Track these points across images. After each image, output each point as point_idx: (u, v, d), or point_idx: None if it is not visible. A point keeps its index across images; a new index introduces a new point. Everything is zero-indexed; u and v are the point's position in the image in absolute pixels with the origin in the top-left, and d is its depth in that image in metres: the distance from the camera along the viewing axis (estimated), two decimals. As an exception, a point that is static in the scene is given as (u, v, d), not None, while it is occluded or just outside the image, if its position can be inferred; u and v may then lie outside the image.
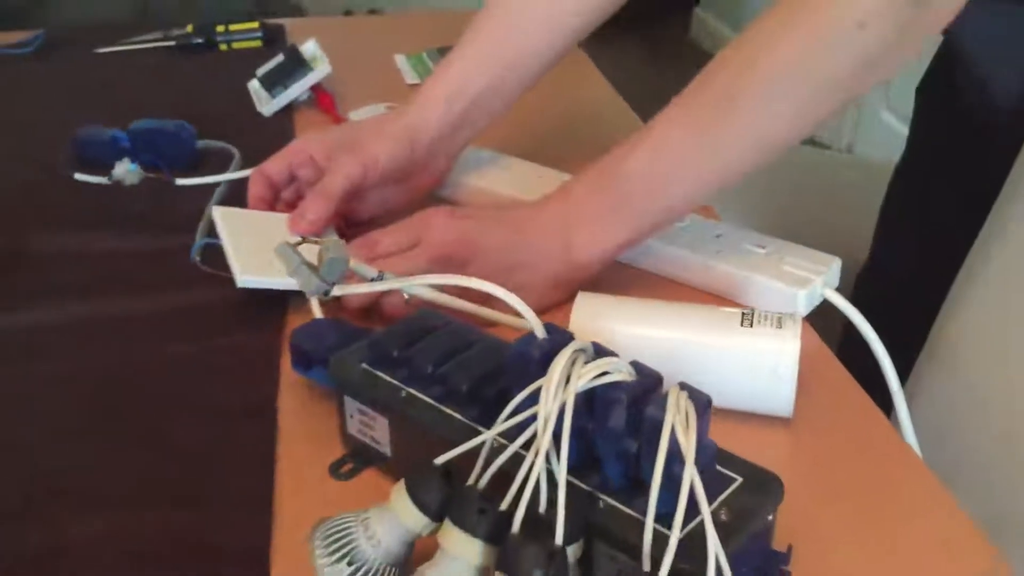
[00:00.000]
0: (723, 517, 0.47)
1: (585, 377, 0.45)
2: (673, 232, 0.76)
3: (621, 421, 0.46)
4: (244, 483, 0.56)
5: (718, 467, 0.49)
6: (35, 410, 0.62)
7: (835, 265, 0.73)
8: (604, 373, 0.46)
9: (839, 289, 0.72)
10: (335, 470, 0.57)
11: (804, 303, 0.70)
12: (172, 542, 0.52)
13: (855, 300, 0.69)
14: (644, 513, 0.43)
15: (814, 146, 2.61)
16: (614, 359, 0.46)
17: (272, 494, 0.56)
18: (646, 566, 0.43)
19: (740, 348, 0.60)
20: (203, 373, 0.66)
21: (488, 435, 0.47)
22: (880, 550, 0.53)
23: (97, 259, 0.77)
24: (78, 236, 0.80)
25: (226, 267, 0.70)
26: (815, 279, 0.70)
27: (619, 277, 0.73)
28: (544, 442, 0.44)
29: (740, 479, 0.49)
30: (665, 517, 0.44)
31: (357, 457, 0.57)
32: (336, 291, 0.55)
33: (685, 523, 0.43)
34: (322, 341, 0.62)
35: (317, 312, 0.67)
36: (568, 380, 0.45)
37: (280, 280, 0.68)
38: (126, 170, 0.83)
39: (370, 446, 0.57)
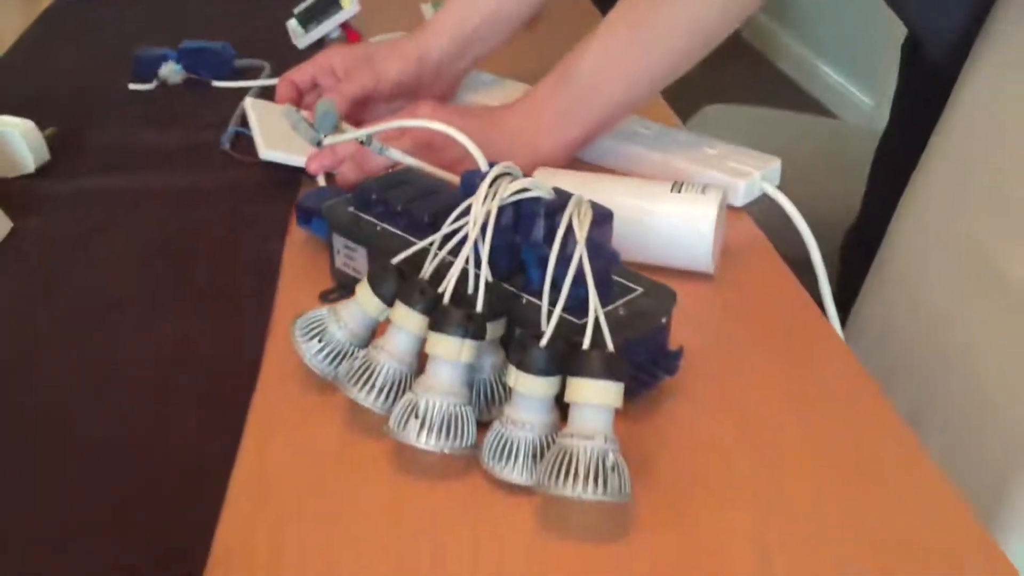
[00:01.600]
0: (620, 312, 0.58)
1: (509, 190, 0.57)
2: (635, 135, 0.87)
3: (539, 230, 0.58)
4: (250, 303, 0.68)
5: (623, 280, 0.60)
6: (91, 255, 0.75)
7: (775, 164, 0.83)
8: (525, 190, 0.57)
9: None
10: (324, 297, 0.69)
11: (743, 193, 0.80)
12: (189, 351, 0.64)
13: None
14: (554, 303, 0.54)
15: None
16: (535, 180, 0.58)
17: (271, 313, 0.67)
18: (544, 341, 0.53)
19: (668, 208, 0.70)
20: (227, 232, 0.78)
21: (433, 237, 0.58)
22: (783, 390, 0.62)
23: (142, 147, 0.91)
24: (127, 130, 0.93)
25: (252, 153, 0.83)
26: (755, 172, 0.81)
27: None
28: (473, 232, 0.55)
29: (640, 289, 0.60)
30: (574, 309, 0.55)
31: (342, 287, 0.69)
32: (326, 140, 0.67)
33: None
34: (321, 200, 0.74)
35: (321, 181, 0.79)
36: (495, 195, 0.57)
37: (297, 157, 0.81)
38: (171, 70, 0.96)
39: (353, 276, 0.69)
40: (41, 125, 0.86)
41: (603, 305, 0.55)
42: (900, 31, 1.05)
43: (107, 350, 0.64)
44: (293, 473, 0.55)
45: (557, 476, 0.50)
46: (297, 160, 0.81)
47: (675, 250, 0.71)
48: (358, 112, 0.90)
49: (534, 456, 0.53)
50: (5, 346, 0.64)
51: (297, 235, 0.77)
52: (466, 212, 0.57)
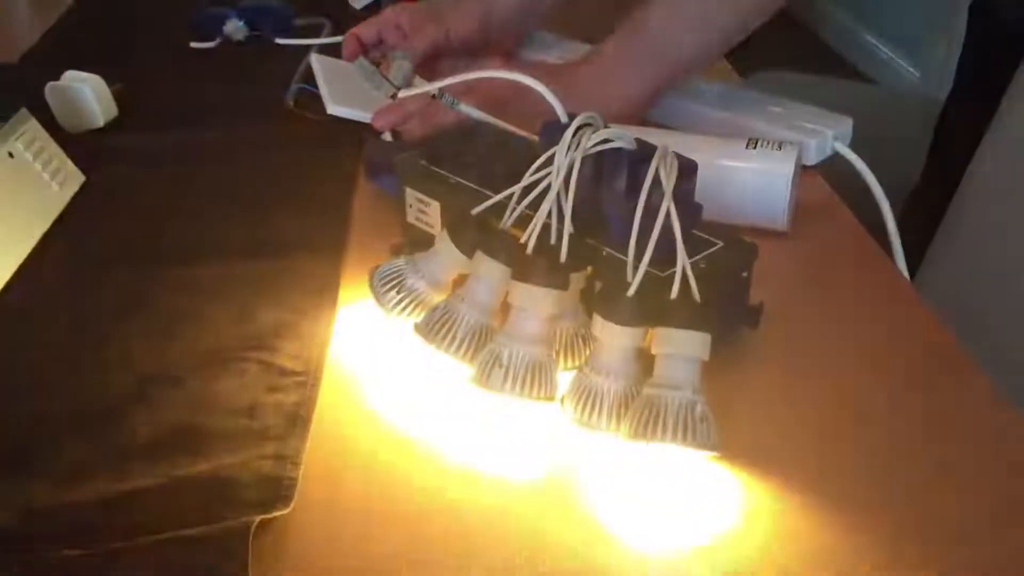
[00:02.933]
0: (702, 265, 0.57)
1: (592, 140, 0.56)
2: (699, 93, 0.86)
3: (622, 181, 0.57)
4: (322, 256, 0.69)
5: (703, 233, 0.60)
6: (161, 207, 0.76)
7: (847, 122, 0.81)
8: (607, 140, 0.56)
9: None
10: (396, 250, 0.69)
11: (814, 152, 0.79)
12: (262, 300, 0.65)
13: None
14: (636, 256, 0.53)
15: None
16: (618, 130, 0.57)
17: (341, 265, 0.68)
18: (632, 289, 0.53)
19: (744, 164, 0.70)
20: (296, 184, 0.78)
21: (514, 188, 0.58)
22: (861, 349, 0.62)
23: (208, 103, 0.91)
24: (192, 86, 0.94)
25: (316, 109, 0.83)
26: (826, 132, 0.80)
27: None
28: (556, 183, 0.55)
29: (721, 243, 0.59)
30: (655, 262, 0.55)
31: (414, 241, 0.69)
32: (401, 93, 0.67)
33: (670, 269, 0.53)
34: (390, 155, 0.74)
35: (388, 137, 0.79)
36: (578, 145, 0.56)
37: (364, 113, 0.81)
38: (235, 27, 0.97)
39: (424, 230, 0.68)
40: (108, 81, 0.86)
41: (688, 258, 0.54)
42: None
43: (181, 299, 0.64)
44: (368, 418, 0.55)
45: (646, 425, 0.50)
46: (364, 115, 0.81)
47: (750, 207, 0.70)
48: (425, 69, 0.89)
49: (618, 406, 0.53)
50: (80, 300, 0.65)
51: (365, 189, 0.77)
52: (548, 163, 0.57)
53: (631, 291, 0.53)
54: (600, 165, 0.58)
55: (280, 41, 0.98)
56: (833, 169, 0.81)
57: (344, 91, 0.83)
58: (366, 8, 1.17)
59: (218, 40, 0.99)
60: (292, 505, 0.48)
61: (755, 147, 0.70)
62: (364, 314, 0.62)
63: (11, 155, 0.71)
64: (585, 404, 0.53)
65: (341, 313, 0.63)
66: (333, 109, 0.81)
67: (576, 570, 0.47)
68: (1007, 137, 0.90)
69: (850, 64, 3.43)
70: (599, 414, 0.53)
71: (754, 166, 0.69)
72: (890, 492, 0.51)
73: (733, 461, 0.52)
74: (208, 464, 0.50)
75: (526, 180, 0.57)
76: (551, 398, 0.54)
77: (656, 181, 0.54)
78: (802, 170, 0.77)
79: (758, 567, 0.47)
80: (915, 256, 0.97)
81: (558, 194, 0.55)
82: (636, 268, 0.53)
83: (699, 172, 0.58)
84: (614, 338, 0.53)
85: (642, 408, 0.50)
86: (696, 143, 0.71)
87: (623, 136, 0.57)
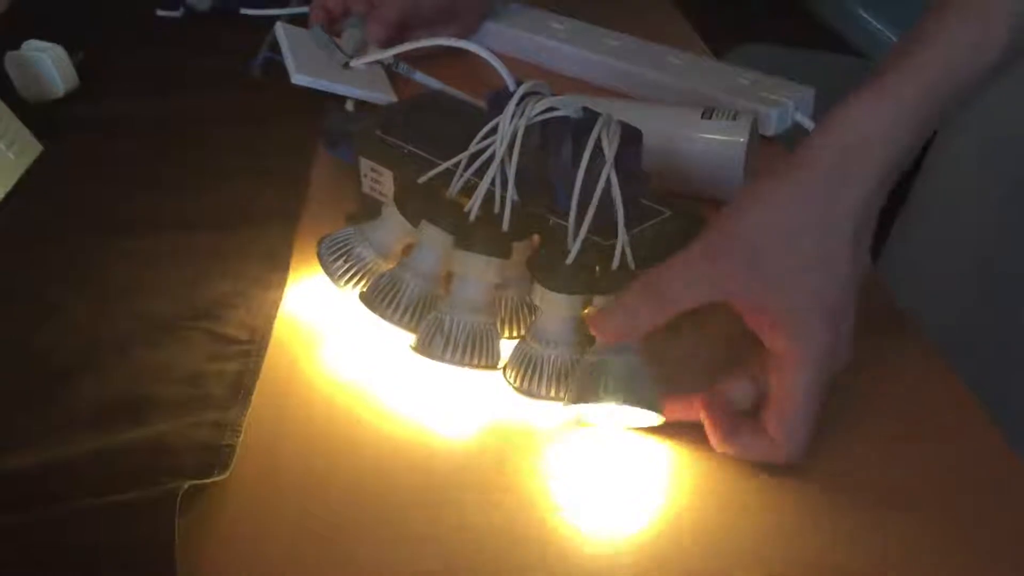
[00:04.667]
0: (647, 234, 0.57)
1: (536, 109, 0.56)
2: (665, 64, 0.85)
3: (567, 150, 0.57)
4: (276, 224, 0.69)
5: (651, 203, 0.60)
6: (118, 177, 0.76)
7: (809, 93, 0.81)
8: (552, 108, 0.56)
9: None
10: (350, 220, 0.69)
11: (776, 122, 0.79)
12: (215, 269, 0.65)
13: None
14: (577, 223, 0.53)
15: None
16: (564, 98, 0.57)
17: (294, 234, 0.67)
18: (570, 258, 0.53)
19: (698, 134, 0.69)
20: (255, 155, 0.78)
21: (459, 157, 0.58)
22: None
23: (171, 73, 0.90)
24: (155, 55, 0.93)
25: (282, 79, 0.82)
26: (787, 101, 0.79)
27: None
28: (500, 151, 0.55)
29: (668, 212, 0.59)
30: (602, 231, 0.54)
31: (369, 212, 0.69)
32: (352, 62, 0.67)
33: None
34: (348, 125, 0.74)
35: (350, 106, 0.79)
36: (523, 113, 0.56)
37: (327, 83, 0.81)
38: (197, -5, 0.96)
39: (379, 200, 0.68)
40: (69, 50, 0.86)
41: (631, 227, 0.54)
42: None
43: (134, 268, 0.64)
44: (313, 387, 0.55)
45: (591, 389, 0.50)
46: (327, 85, 0.80)
47: (706, 177, 0.70)
48: (397, 38, 0.88)
49: (558, 374, 0.53)
50: (31, 267, 0.65)
51: (325, 160, 0.76)
52: (493, 131, 0.57)
53: (570, 259, 0.53)
54: (547, 134, 0.58)
55: (245, 11, 0.97)
56: (797, 140, 0.80)
57: (309, 61, 0.82)
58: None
59: (182, 10, 0.98)
60: (229, 472, 0.49)
61: (710, 117, 0.70)
62: (315, 284, 0.63)
63: (-37, 121, 0.71)
64: (525, 372, 0.53)
65: (292, 283, 0.63)
66: (297, 78, 0.81)
67: (518, 539, 0.47)
68: (975, 108, 0.90)
69: (851, 45, 3.41)
70: (539, 382, 0.53)
71: (708, 136, 0.69)
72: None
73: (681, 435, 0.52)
74: (147, 431, 0.51)
75: (472, 148, 0.57)
76: (492, 367, 0.54)
77: (598, 148, 0.54)
78: (763, 141, 0.77)
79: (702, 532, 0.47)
80: (882, 229, 0.97)
81: (502, 162, 0.55)
82: (576, 236, 0.53)
83: (653, 142, 0.58)
84: (554, 306, 0.53)
85: (586, 371, 0.51)
86: (650, 112, 0.71)
87: (569, 104, 0.57)
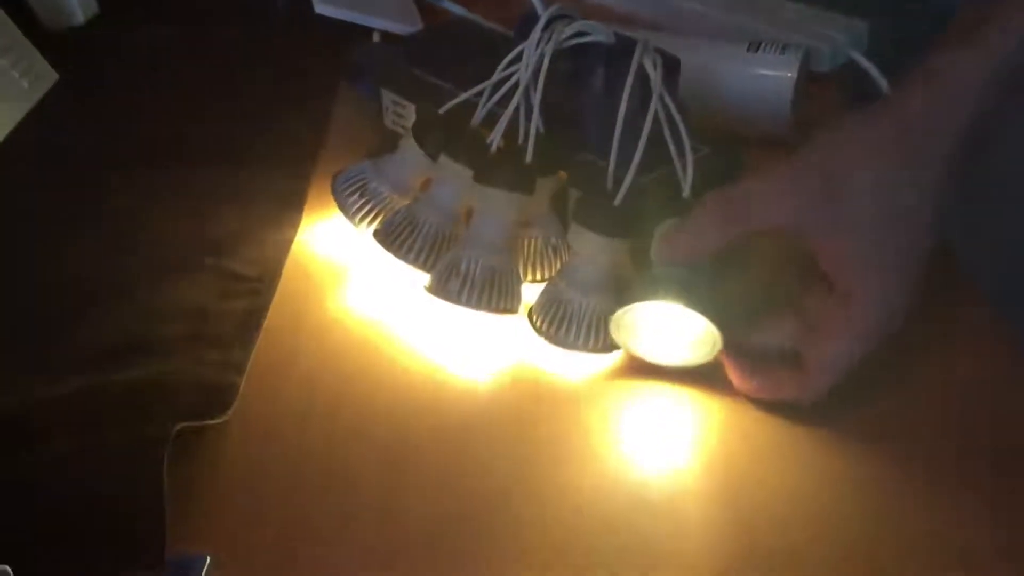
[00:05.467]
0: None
1: (565, 34, 0.52)
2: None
3: (599, 79, 0.53)
4: (295, 158, 0.65)
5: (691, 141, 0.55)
6: (137, 106, 0.73)
7: (863, 27, 0.76)
8: (582, 33, 0.52)
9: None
10: (371, 154, 0.65)
11: (828, 58, 0.74)
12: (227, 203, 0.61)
13: None
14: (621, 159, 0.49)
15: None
16: (594, 23, 0.52)
17: (312, 171, 0.64)
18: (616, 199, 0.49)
19: (744, 69, 0.65)
20: (274, 83, 0.75)
21: (482, 86, 0.54)
22: None
23: (195, 2, 0.87)
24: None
25: (309, 12, 0.79)
26: (839, 37, 0.74)
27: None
28: (525, 78, 0.51)
29: (707, 149, 0.55)
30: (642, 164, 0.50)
31: (391, 145, 0.66)
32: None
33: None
34: (372, 58, 0.70)
35: (376, 38, 0.75)
36: (550, 39, 0.52)
37: (351, 13, 0.77)
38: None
39: (401, 134, 0.65)
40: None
41: (667, 165, 0.50)
42: None
43: (142, 201, 0.61)
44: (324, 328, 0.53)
45: (650, 290, 0.47)
46: (351, 15, 0.77)
47: (749, 116, 0.65)
48: None
49: (591, 325, 0.49)
50: (38, 200, 0.62)
51: (348, 95, 0.73)
52: (518, 59, 0.53)
53: (618, 199, 0.49)
54: (577, 62, 0.54)
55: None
56: (850, 77, 0.75)
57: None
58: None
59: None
60: (229, 414, 0.46)
61: (756, 50, 0.65)
62: (331, 224, 0.59)
63: (-28, 46, 0.68)
64: (555, 318, 0.50)
65: (306, 222, 0.60)
66: (320, 7, 0.77)
67: (532, 492, 0.44)
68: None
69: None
70: (569, 330, 0.49)
71: (754, 71, 0.65)
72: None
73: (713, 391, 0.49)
74: (144, 370, 0.48)
75: (496, 77, 0.53)
76: (512, 311, 0.51)
77: (640, 76, 0.50)
78: (813, 78, 0.72)
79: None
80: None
81: (527, 89, 0.51)
82: (619, 173, 0.49)
83: (692, 77, 0.54)
84: (595, 250, 0.49)
85: (645, 279, 0.47)
86: (689, 44, 0.67)
87: (600, 29, 0.52)
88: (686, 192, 0.50)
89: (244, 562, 0.40)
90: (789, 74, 0.64)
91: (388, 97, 0.64)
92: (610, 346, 0.49)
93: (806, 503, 0.43)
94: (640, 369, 0.50)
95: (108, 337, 0.51)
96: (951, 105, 0.46)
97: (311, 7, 0.79)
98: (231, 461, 0.45)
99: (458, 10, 0.66)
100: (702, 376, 0.49)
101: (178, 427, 0.42)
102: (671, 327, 0.47)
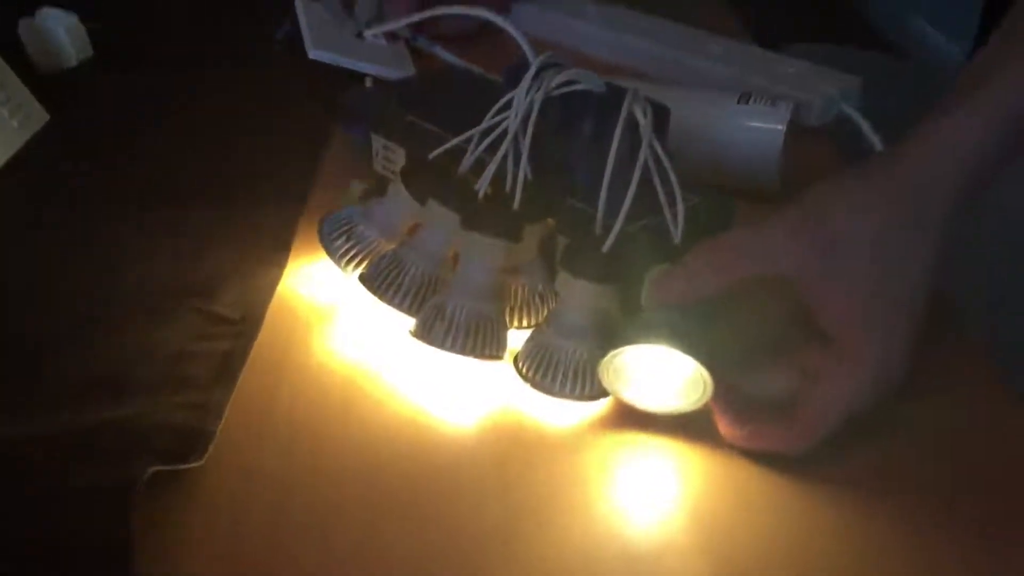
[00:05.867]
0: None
1: (555, 82, 0.52)
2: (705, 50, 0.81)
3: (588, 127, 0.53)
4: (284, 202, 0.65)
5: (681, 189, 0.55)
6: (127, 148, 0.72)
7: (856, 81, 0.76)
8: (572, 82, 0.52)
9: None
10: (361, 197, 0.65)
11: (819, 111, 0.74)
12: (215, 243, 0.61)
13: None
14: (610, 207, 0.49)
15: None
16: (584, 71, 0.52)
17: (300, 214, 0.64)
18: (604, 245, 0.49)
19: (733, 121, 0.65)
20: (265, 126, 0.75)
21: (471, 132, 0.53)
22: None
23: (187, 45, 0.88)
24: (173, 27, 0.91)
25: (303, 56, 0.79)
26: (833, 90, 0.74)
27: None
28: (513, 124, 0.51)
29: (697, 198, 0.54)
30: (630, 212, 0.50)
31: (380, 189, 0.65)
32: (367, 31, 0.63)
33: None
34: (363, 102, 0.70)
35: (369, 83, 0.75)
36: (540, 87, 0.52)
37: (345, 59, 0.77)
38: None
39: (390, 179, 0.64)
40: (86, 19, 0.83)
41: (657, 213, 0.50)
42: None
43: (127, 240, 0.61)
44: (305, 372, 0.52)
45: (639, 333, 0.46)
46: (345, 61, 0.77)
47: (738, 167, 0.65)
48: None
49: (576, 371, 0.48)
50: (24, 238, 0.62)
51: (341, 140, 0.73)
52: (508, 106, 0.53)
53: (607, 246, 0.48)
54: (567, 111, 0.54)
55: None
56: (842, 132, 0.75)
57: (327, 36, 0.79)
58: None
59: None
60: (205, 459, 0.45)
61: (747, 102, 0.65)
62: (317, 267, 0.59)
63: (-36, 86, 0.68)
64: (540, 364, 0.49)
65: (292, 265, 0.60)
66: (314, 53, 0.77)
67: (509, 539, 0.43)
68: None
69: (900, 49, 3.33)
70: (555, 376, 0.49)
71: (744, 122, 0.65)
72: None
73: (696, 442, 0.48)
74: (122, 411, 0.47)
75: (485, 124, 0.53)
76: (497, 358, 0.50)
77: (630, 124, 0.50)
78: (806, 132, 0.72)
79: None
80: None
81: (515, 136, 0.51)
82: (607, 220, 0.49)
83: (682, 128, 0.53)
84: (582, 296, 0.49)
85: (635, 322, 0.47)
86: (680, 95, 0.67)
87: (590, 78, 0.52)
88: (677, 239, 0.49)
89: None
90: (779, 126, 0.64)
91: (378, 142, 0.64)
92: (596, 394, 0.49)
93: (793, 554, 0.43)
94: (626, 418, 0.49)
95: (83, 376, 0.50)
96: (948, 166, 0.46)
97: (304, 52, 0.80)
98: (210, 499, 0.44)
99: (450, 58, 0.66)
100: (688, 426, 0.48)
101: (150, 471, 0.41)
102: (661, 372, 0.47)
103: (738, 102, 0.65)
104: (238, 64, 0.83)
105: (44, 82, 0.77)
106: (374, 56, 0.77)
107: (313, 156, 0.71)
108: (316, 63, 0.78)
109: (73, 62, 0.82)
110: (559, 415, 0.49)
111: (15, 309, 0.55)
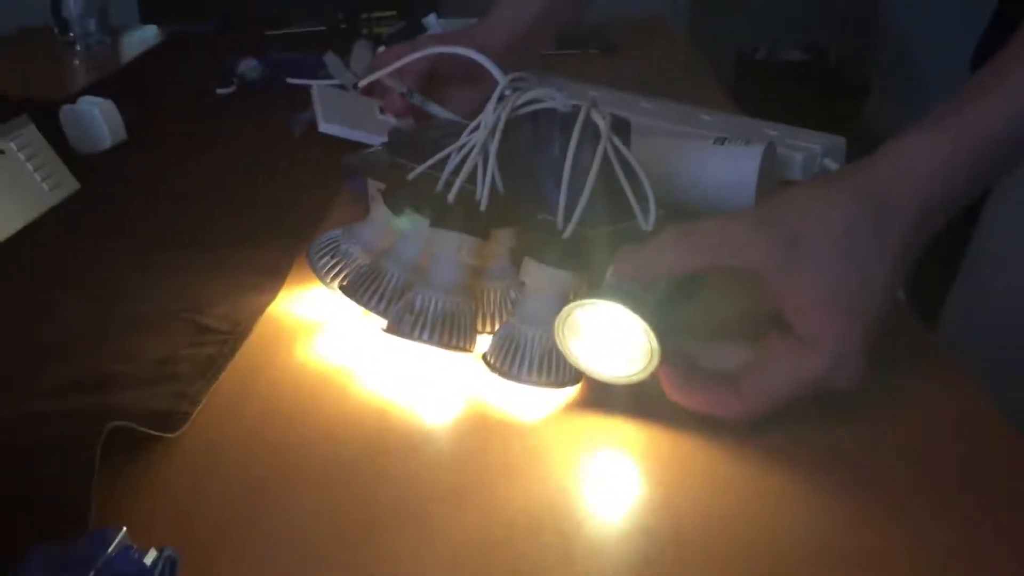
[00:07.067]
0: (635, 230, 0.55)
1: (520, 100, 0.55)
2: (695, 120, 0.85)
3: (555, 144, 0.56)
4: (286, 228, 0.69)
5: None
6: (143, 205, 0.78)
7: (840, 142, 0.79)
8: (537, 100, 0.56)
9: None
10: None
11: (801, 166, 0.77)
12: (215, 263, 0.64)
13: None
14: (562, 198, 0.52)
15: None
16: (550, 91, 0.56)
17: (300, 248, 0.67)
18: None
19: (708, 160, 0.68)
20: (277, 189, 0.80)
21: (447, 151, 0.57)
22: None
23: (214, 135, 0.94)
24: (203, 119, 0.97)
25: (319, 140, 0.85)
26: (816, 147, 0.77)
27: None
28: (482, 135, 0.54)
29: (664, 211, 0.57)
30: (592, 218, 0.53)
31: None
32: (362, 82, 0.68)
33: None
34: (360, 158, 0.75)
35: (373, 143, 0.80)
36: (507, 106, 0.56)
37: (355, 132, 0.83)
38: (248, 66, 1.00)
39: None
40: (123, 108, 0.90)
41: (621, 220, 0.53)
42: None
43: (133, 277, 0.65)
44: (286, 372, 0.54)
45: (592, 292, 0.48)
46: (352, 133, 0.82)
47: (714, 206, 0.67)
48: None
49: (543, 357, 0.50)
50: (40, 272, 0.66)
51: (344, 198, 0.77)
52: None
53: (567, 232, 0.51)
54: (536, 128, 0.57)
55: (291, 81, 1.01)
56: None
57: (338, 113, 0.85)
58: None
59: (235, 83, 1.03)
60: (177, 434, 0.47)
61: (723, 144, 0.69)
62: (309, 294, 0.62)
63: (2, 152, 0.74)
64: (507, 353, 0.51)
65: (287, 293, 0.63)
66: (324, 127, 0.83)
67: (475, 540, 0.44)
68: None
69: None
70: (521, 363, 0.50)
71: (718, 161, 0.68)
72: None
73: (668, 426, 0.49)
74: (106, 400, 0.50)
75: (461, 141, 0.57)
76: (466, 349, 0.52)
77: (588, 133, 0.53)
78: (790, 183, 0.75)
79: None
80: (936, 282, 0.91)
81: (484, 145, 0.55)
82: (568, 208, 0.52)
83: (660, 171, 0.56)
84: (544, 283, 0.51)
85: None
86: (661, 140, 0.70)
87: (555, 97, 0.56)
88: (647, 227, 0.51)
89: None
90: (752, 162, 0.66)
91: (373, 186, 0.68)
92: (564, 380, 0.50)
93: (747, 525, 0.43)
94: (590, 405, 0.50)
95: (77, 375, 0.53)
96: (913, 181, 0.48)
97: (323, 137, 0.86)
98: (177, 467, 0.46)
99: (440, 111, 0.71)
100: (653, 411, 0.49)
101: (110, 426, 0.43)
102: (614, 339, 0.48)
103: (714, 143, 0.69)
104: (259, 148, 0.90)
105: (79, 160, 0.84)
106: (378, 127, 0.83)
107: (319, 208, 0.75)
108: (326, 137, 0.84)
109: (107, 144, 0.89)
110: (525, 406, 0.50)
111: (13, 326, 0.60)
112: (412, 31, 1.22)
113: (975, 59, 0.98)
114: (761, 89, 2.73)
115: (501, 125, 0.55)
